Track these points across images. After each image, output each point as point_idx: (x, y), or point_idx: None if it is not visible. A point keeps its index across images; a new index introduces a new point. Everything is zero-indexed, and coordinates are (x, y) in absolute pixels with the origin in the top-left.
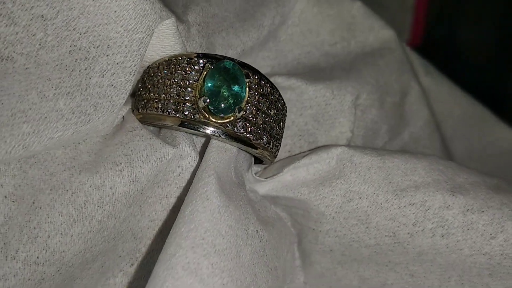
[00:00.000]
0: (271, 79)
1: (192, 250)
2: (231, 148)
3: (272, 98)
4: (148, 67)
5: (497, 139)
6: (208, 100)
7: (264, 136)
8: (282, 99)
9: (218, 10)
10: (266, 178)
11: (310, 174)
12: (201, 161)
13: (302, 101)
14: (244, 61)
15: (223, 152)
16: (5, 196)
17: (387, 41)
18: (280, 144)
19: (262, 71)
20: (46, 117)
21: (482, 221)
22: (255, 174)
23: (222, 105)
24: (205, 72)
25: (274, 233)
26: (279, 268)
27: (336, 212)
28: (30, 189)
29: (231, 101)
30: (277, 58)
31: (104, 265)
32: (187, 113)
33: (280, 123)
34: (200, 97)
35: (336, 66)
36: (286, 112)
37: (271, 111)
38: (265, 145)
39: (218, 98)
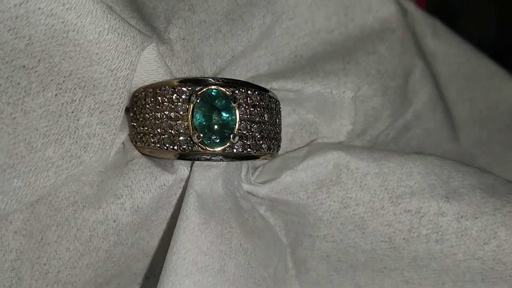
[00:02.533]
0: (268, 86)
1: (175, 272)
2: (218, 164)
3: (263, 104)
4: (134, 95)
5: (502, 97)
6: (201, 135)
7: (264, 144)
8: (273, 96)
9: (205, 16)
10: (263, 183)
11: (308, 177)
12: None
13: (301, 98)
14: (236, 61)
15: (207, 170)
16: (15, 232)
17: (387, 21)
18: (280, 139)
19: (259, 70)
20: (36, 168)
21: (476, 227)
22: (252, 174)
23: (216, 137)
24: (192, 105)
25: (260, 244)
26: (268, 278)
27: (333, 217)
28: (38, 224)
29: (224, 130)
30: (274, 54)
31: (120, 283)
32: (184, 146)
33: (276, 121)
34: (193, 133)
35: (335, 56)
36: (279, 105)
37: (264, 117)
38: (267, 151)
39: (210, 131)
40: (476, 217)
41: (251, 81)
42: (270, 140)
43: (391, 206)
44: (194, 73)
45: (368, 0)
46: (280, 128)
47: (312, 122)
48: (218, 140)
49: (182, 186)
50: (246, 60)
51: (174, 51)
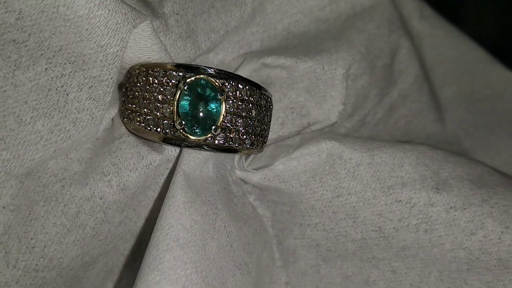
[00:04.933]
0: (261, 61)
1: (157, 247)
2: None
3: (252, 100)
4: (129, 71)
5: (488, 81)
6: (183, 123)
7: (247, 140)
8: (265, 93)
9: None
10: (257, 169)
11: (301, 165)
12: None
13: (293, 78)
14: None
15: (197, 152)
16: (4, 207)
17: None
18: (267, 135)
19: (252, 47)
20: (25, 141)
21: (464, 218)
22: (245, 160)
23: (197, 128)
24: (179, 92)
25: (245, 229)
26: (250, 263)
27: (325, 206)
28: (26, 199)
29: (207, 121)
30: (266, 31)
31: (108, 263)
32: (167, 130)
33: (264, 118)
34: (176, 119)
35: (327, 34)
36: (271, 104)
37: (252, 112)
38: (250, 146)
39: (193, 120)
40: (465, 208)
41: (244, 58)
42: (254, 136)
43: (382, 196)
44: (189, 48)
45: None
46: (268, 125)
47: (303, 105)
48: (198, 130)
49: (169, 167)
50: (239, 37)
51: (168, 26)
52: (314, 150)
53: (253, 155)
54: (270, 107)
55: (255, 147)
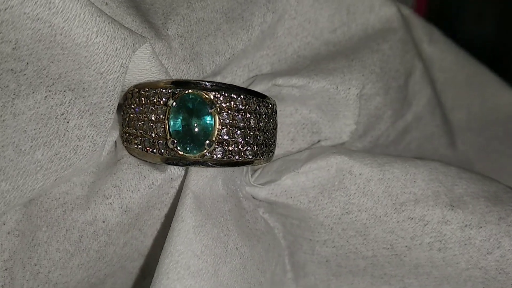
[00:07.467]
0: (272, 82)
1: (167, 276)
2: None
3: (249, 109)
4: (126, 93)
5: (498, 104)
6: (175, 141)
7: (248, 151)
8: (267, 100)
9: (203, 14)
10: (263, 185)
11: (310, 180)
12: None
13: (306, 95)
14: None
15: (204, 169)
16: (8, 232)
17: (390, 20)
18: (273, 144)
19: (262, 71)
20: (24, 171)
21: (480, 237)
22: (251, 175)
23: (190, 145)
24: (168, 109)
25: (259, 247)
26: (264, 282)
27: (334, 223)
28: (29, 225)
29: (200, 137)
30: (276, 55)
31: (116, 283)
32: (163, 151)
33: (266, 126)
34: (168, 138)
35: (338, 55)
36: (273, 109)
37: (250, 122)
38: (252, 157)
39: (184, 137)
40: (481, 227)
41: (253, 80)
42: (257, 146)
43: (394, 213)
44: (193, 71)
45: (369, 0)
46: (274, 133)
47: (314, 121)
48: (191, 147)
49: (174, 186)
50: (248, 61)
51: (172, 48)
52: (323, 164)
53: (260, 169)
54: (272, 114)
55: (260, 158)
